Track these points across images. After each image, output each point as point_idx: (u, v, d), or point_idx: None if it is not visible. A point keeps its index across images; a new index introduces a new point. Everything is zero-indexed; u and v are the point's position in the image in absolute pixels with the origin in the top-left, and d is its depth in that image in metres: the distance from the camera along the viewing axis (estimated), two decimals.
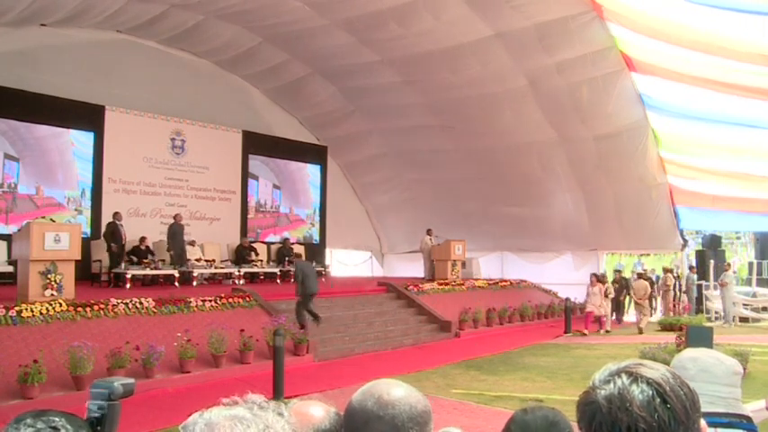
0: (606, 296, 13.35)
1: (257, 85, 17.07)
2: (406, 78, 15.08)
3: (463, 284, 14.43)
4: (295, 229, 17.77)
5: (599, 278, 13.40)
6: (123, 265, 11.53)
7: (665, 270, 15.57)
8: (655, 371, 0.91)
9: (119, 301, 8.50)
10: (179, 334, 8.04)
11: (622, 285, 14.95)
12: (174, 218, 12.80)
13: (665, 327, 12.88)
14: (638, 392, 0.88)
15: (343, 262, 19.94)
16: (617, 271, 15.76)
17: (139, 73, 14.25)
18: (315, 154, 18.38)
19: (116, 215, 11.99)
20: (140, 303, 8.65)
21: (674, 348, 8.06)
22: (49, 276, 8.29)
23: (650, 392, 0.88)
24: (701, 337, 6.45)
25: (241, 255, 14.41)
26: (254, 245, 15.26)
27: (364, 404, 1.10)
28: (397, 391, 1.12)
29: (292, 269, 12.19)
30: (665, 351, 8.07)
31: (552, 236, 16.79)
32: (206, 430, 0.65)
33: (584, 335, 12.35)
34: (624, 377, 0.90)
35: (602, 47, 12.32)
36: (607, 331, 13.03)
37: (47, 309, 7.77)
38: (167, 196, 14.53)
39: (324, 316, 10.70)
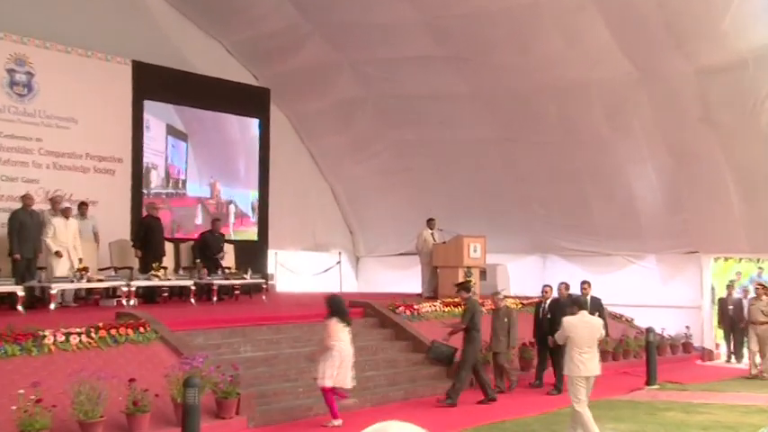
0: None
1: None
2: None
3: (483, 304, 14.21)
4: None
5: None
6: None
7: None
8: None
9: None
10: (21, 391, 7.81)
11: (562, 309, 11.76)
12: (23, 199, 12.83)
13: None
14: None
15: (296, 270, 20.14)
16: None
17: None
18: (251, 100, 18.47)
19: None
20: None
21: None
22: None
23: None
24: None
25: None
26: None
27: None
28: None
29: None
30: None
31: (625, 230, 16.85)
32: None
33: None
34: None
35: None
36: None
37: None
38: (3, 165, 14.27)
39: (266, 354, 11.14)
